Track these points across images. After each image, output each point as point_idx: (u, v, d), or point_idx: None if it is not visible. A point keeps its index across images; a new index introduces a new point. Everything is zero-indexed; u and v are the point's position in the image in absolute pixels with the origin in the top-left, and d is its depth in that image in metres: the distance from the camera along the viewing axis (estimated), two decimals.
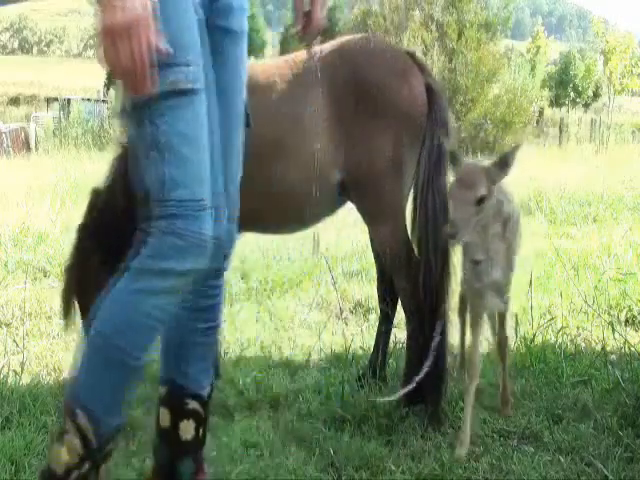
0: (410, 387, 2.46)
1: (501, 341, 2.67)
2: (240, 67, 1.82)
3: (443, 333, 2.56)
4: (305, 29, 1.85)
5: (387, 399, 2.48)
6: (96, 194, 2.96)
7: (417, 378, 2.46)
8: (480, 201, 2.08)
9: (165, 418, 1.92)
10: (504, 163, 2.14)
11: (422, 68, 2.74)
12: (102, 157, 10.10)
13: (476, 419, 2.52)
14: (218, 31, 1.74)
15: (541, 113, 21.87)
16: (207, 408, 1.97)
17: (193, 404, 1.91)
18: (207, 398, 1.95)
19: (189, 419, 1.91)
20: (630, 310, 3.87)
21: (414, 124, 2.58)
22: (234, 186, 1.92)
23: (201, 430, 1.94)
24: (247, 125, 1.89)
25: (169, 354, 1.94)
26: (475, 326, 2.45)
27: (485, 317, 2.52)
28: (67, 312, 2.93)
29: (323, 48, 2.79)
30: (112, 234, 2.85)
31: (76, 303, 2.93)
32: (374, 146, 2.55)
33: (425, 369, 2.46)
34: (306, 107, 2.65)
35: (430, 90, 2.68)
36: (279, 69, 2.76)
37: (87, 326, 3.07)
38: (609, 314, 3.73)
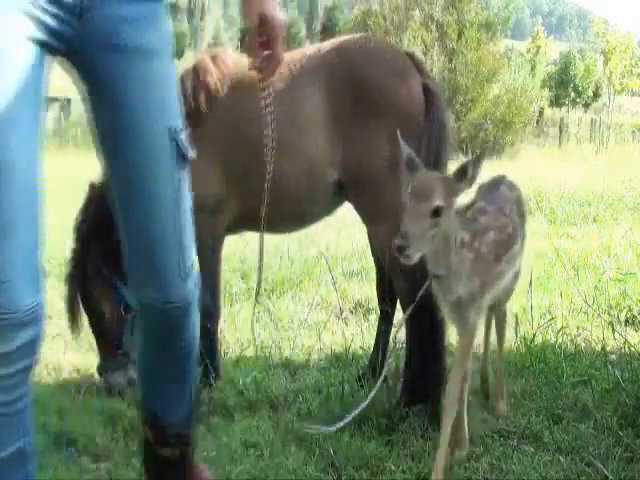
0: (354, 414, 2.28)
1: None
2: (154, 89, 1.50)
3: (437, 332, 2.54)
4: (263, 65, 1.66)
5: (327, 429, 2.31)
6: (93, 188, 2.98)
7: (367, 401, 2.28)
8: (436, 213, 1.91)
9: (148, 436, 1.89)
10: (465, 172, 1.97)
11: (420, 69, 2.74)
12: None
13: (475, 419, 2.52)
14: (107, 50, 1.45)
15: (541, 113, 21.87)
16: (190, 427, 1.92)
17: (173, 430, 1.86)
18: (189, 420, 1.90)
19: (172, 446, 1.87)
20: (630, 310, 3.87)
21: (412, 124, 2.58)
22: (179, 245, 1.57)
23: (188, 449, 1.91)
24: (182, 157, 1.54)
25: (140, 389, 1.91)
26: (459, 333, 2.30)
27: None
28: (73, 317, 2.94)
29: (322, 47, 2.79)
30: (109, 231, 2.86)
31: (82, 307, 2.95)
32: (372, 146, 2.55)
33: (377, 387, 2.29)
34: (304, 106, 2.65)
35: (428, 90, 2.68)
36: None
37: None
38: (609, 314, 3.73)
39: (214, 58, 2.88)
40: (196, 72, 2.85)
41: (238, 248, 4.88)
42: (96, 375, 3.06)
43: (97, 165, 3.03)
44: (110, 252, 2.90)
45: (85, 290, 2.93)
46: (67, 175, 8.83)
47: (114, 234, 2.88)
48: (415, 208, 1.91)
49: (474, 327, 2.26)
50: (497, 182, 2.52)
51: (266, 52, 1.60)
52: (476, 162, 1.98)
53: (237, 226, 2.96)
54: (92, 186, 2.99)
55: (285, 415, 2.64)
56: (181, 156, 1.52)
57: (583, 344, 3.38)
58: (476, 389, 2.83)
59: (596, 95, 36.56)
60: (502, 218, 2.34)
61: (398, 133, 2.17)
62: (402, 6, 18.08)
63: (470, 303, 2.19)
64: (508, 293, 2.58)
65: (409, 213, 1.91)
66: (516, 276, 2.56)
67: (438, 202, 1.91)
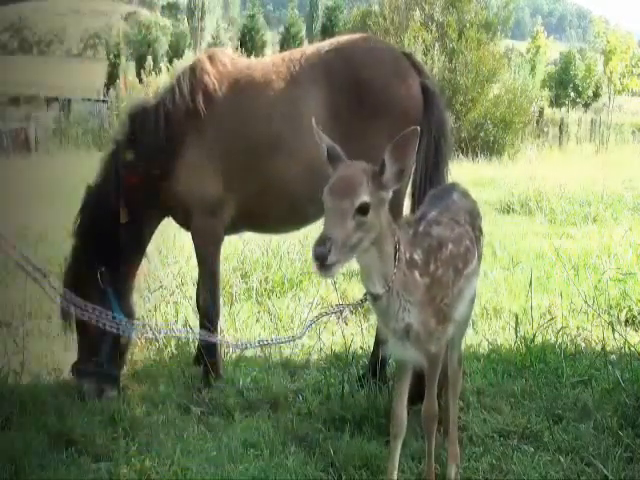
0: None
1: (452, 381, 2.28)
2: None
3: None
4: None
5: None
6: (90, 190, 2.97)
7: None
8: (362, 211, 1.60)
9: None
10: (385, 164, 1.69)
11: (419, 68, 2.75)
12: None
13: (475, 419, 2.52)
14: None
15: (541, 113, 21.83)
16: None
17: None
18: None
19: None
20: (630, 310, 3.87)
21: (411, 123, 2.58)
22: None
23: None
24: None
25: None
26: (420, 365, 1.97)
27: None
28: (68, 316, 2.93)
29: (321, 47, 2.79)
30: (105, 233, 2.86)
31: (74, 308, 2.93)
32: (371, 144, 2.55)
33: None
34: (303, 105, 2.65)
35: (427, 90, 2.69)
36: (276, 67, 2.76)
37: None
38: (609, 314, 3.72)
39: (211, 58, 2.88)
40: (193, 72, 2.84)
41: (238, 248, 4.87)
42: None
43: (97, 165, 3.04)
44: (105, 258, 2.88)
45: (75, 290, 2.91)
46: (67, 175, 8.83)
47: (109, 237, 2.89)
48: (336, 207, 1.60)
49: (437, 359, 1.92)
50: (449, 190, 2.22)
51: None
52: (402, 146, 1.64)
53: (236, 226, 2.96)
54: (89, 188, 2.98)
55: (285, 415, 2.64)
56: None
57: (583, 344, 3.37)
58: (477, 389, 2.83)
59: (596, 95, 36.53)
60: (457, 228, 2.00)
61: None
62: (402, 6, 18.08)
63: (427, 337, 1.83)
64: (463, 324, 2.20)
65: (329, 213, 1.60)
66: (471, 302, 2.21)
67: (363, 198, 1.61)
